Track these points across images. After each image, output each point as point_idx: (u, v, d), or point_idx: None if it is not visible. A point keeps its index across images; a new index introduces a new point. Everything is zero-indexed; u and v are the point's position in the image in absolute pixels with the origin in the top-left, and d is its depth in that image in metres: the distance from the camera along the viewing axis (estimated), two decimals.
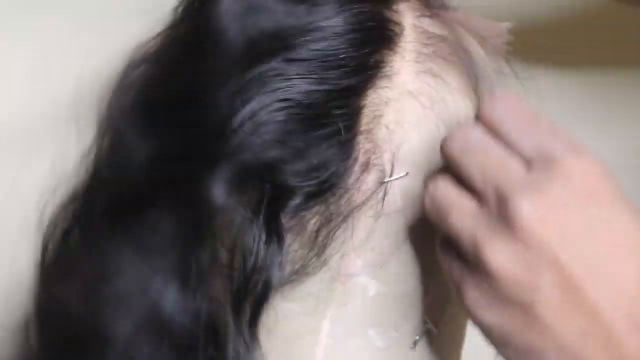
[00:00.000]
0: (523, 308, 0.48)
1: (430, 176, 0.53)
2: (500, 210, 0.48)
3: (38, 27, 0.83)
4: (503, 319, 0.48)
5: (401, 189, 0.55)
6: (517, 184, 0.48)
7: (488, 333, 0.50)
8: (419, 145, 0.56)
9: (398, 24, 0.57)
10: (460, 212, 0.50)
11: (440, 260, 0.52)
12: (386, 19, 0.57)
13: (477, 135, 0.51)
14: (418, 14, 0.58)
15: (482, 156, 0.50)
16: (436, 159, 0.54)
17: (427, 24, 0.58)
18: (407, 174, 0.55)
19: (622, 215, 0.49)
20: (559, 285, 0.47)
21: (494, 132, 0.50)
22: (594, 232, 0.48)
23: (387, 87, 0.56)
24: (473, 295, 0.49)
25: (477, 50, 0.61)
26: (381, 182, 0.55)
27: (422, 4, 0.59)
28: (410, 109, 0.56)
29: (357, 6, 0.56)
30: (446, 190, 0.51)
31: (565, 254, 0.47)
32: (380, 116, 0.55)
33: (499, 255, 0.48)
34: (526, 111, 0.51)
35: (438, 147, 0.53)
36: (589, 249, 0.48)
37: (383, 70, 0.56)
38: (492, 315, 0.49)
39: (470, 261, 0.49)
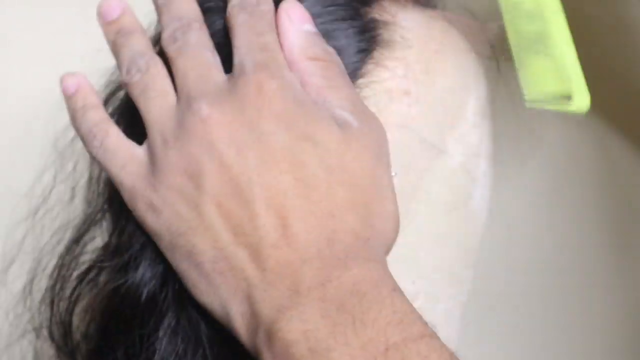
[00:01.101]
0: (190, 205, 0.50)
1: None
2: (185, 109, 0.51)
3: (36, 25, 0.84)
4: (171, 219, 0.51)
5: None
6: (207, 91, 0.51)
7: (158, 239, 0.52)
8: (407, 145, 0.56)
9: (387, 20, 0.58)
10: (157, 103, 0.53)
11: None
12: (375, 21, 0.57)
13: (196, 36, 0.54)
14: (404, 10, 0.59)
15: (192, 60, 0.53)
16: (422, 157, 0.55)
17: (412, 19, 0.59)
18: (395, 174, 0.56)
19: (284, 132, 0.50)
20: (222, 184, 0.50)
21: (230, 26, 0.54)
22: (260, 143, 0.50)
23: (372, 82, 0.56)
24: (144, 195, 0.52)
25: (462, 49, 0.61)
26: None
27: (407, 1, 0.60)
28: (395, 108, 0.56)
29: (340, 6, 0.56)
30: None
31: (230, 156, 0.50)
32: None
33: (171, 151, 0.51)
34: (264, 20, 0.54)
35: (424, 147, 0.54)
36: (252, 156, 0.50)
37: (365, 67, 0.56)
38: (160, 217, 0.52)
39: (150, 160, 0.52)
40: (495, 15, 0.64)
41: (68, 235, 0.61)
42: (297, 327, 0.47)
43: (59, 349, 0.59)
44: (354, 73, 0.56)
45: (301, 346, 0.46)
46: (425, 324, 0.48)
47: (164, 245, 0.52)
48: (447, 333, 0.57)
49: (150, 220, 0.52)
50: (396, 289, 0.48)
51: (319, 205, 0.50)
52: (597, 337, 0.94)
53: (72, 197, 0.62)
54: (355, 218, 0.50)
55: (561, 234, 0.94)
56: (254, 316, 0.49)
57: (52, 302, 0.60)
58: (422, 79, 0.57)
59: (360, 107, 0.53)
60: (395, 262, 0.52)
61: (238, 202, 0.50)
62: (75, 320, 0.59)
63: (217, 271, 0.50)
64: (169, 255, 0.52)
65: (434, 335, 0.47)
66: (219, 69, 0.53)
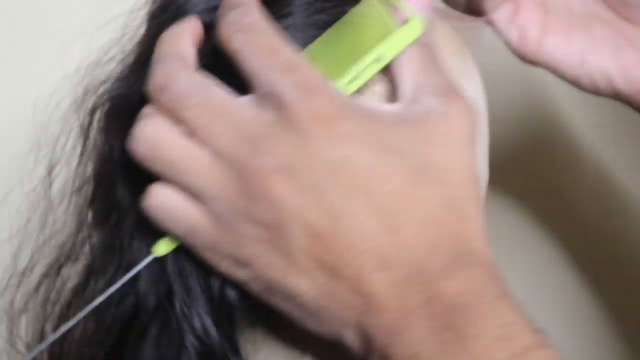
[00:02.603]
0: (281, 254, 0.48)
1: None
2: (246, 174, 0.48)
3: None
4: (264, 269, 0.49)
5: None
6: (256, 144, 0.48)
7: (252, 286, 0.50)
8: None
9: None
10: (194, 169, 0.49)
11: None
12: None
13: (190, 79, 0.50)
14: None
15: (202, 104, 0.49)
16: None
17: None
18: None
19: (360, 152, 0.48)
20: (306, 231, 0.48)
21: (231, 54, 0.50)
22: (335, 173, 0.48)
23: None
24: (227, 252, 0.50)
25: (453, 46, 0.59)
26: None
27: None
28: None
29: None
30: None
31: (305, 204, 0.48)
32: None
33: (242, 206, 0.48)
34: (267, 33, 0.50)
35: None
36: (328, 190, 0.48)
37: None
38: (252, 270, 0.49)
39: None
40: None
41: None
42: (408, 351, 0.46)
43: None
44: None
45: None
46: (534, 331, 0.47)
47: (258, 290, 0.50)
48: None
49: (241, 274, 0.50)
50: (500, 296, 0.47)
51: (412, 215, 0.48)
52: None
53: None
54: (451, 216, 0.49)
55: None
56: (367, 341, 0.48)
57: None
58: None
59: (446, 88, 0.51)
60: None
61: (327, 241, 0.48)
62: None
63: (322, 308, 0.49)
64: (265, 297, 0.50)
65: (542, 344, 0.46)
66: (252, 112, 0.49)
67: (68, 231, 0.58)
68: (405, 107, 0.50)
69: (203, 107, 0.49)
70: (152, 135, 0.49)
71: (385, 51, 0.51)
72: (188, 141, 0.49)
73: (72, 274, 0.57)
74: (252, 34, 0.49)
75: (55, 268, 0.58)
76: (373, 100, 0.52)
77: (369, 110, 0.49)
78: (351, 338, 0.49)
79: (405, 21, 0.51)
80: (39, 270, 0.58)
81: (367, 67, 0.51)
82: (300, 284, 0.48)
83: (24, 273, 0.59)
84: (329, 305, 0.48)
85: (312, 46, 0.52)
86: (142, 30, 0.57)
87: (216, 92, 0.49)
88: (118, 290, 0.52)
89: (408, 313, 0.47)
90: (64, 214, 0.59)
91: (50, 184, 0.60)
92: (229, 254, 0.49)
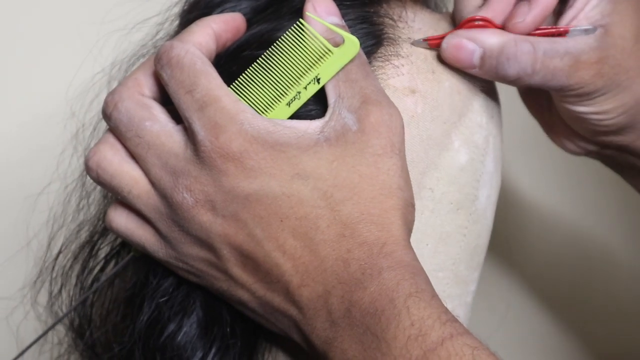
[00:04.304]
0: (220, 271, 0.53)
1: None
2: (170, 201, 0.53)
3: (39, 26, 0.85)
4: (210, 281, 0.54)
5: None
6: (179, 171, 0.52)
7: (208, 289, 0.55)
8: (412, 143, 0.57)
9: (395, 19, 0.59)
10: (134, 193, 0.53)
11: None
12: (383, 20, 0.58)
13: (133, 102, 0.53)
14: (412, 11, 0.60)
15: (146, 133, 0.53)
16: (426, 155, 0.57)
17: (420, 20, 0.60)
18: None
19: (269, 182, 0.51)
20: (234, 251, 0.52)
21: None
22: (249, 203, 0.51)
23: (379, 79, 0.57)
24: (178, 265, 0.55)
25: None
26: None
27: (415, 3, 0.61)
28: (400, 105, 0.56)
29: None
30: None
31: (229, 228, 0.52)
32: None
33: (176, 231, 0.54)
34: (190, 68, 0.52)
35: (429, 145, 0.56)
36: (248, 218, 0.51)
37: (371, 64, 0.57)
38: (201, 280, 0.54)
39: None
40: None
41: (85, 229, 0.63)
42: (342, 358, 0.49)
43: (77, 337, 0.61)
44: None
45: None
46: (446, 322, 0.48)
47: (215, 294, 0.55)
48: None
49: (195, 280, 0.55)
50: (411, 294, 0.49)
51: (327, 232, 0.51)
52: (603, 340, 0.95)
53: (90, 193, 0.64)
54: (366, 227, 0.51)
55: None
56: (311, 347, 0.51)
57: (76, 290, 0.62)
58: (428, 78, 0.58)
59: (364, 98, 0.53)
60: None
61: (255, 261, 0.52)
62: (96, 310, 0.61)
63: (267, 313, 0.53)
64: (225, 301, 0.55)
65: (454, 334, 0.48)
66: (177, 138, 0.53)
67: (98, 213, 0.62)
68: (324, 125, 0.52)
69: (137, 138, 0.53)
70: (100, 157, 0.54)
71: (324, 71, 0.53)
72: (130, 164, 0.54)
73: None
74: (175, 69, 0.52)
75: (88, 246, 0.62)
76: (294, 122, 0.53)
77: (283, 138, 0.51)
78: (298, 340, 0.52)
79: (340, 42, 0.53)
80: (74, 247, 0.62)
81: (306, 87, 0.53)
82: (243, 294, 0.53)
83: (61, 252, 0.62)
84: (272, 312, 0.53)
85: (246, 73, 0.54)
86: (175, 27, 0.61)
87: (153, 122, 0.53)
88: None
89: (334, 323, 0.50)
90: (96, 200, 0.63)
91: (85, 174, 0.62)
92: (181, 267, 0.54)
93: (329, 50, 0.53)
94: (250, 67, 0.54)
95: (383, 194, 0.52)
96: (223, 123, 0.51)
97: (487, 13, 0.57)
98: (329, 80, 0.53)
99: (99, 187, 0.62)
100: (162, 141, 0.52)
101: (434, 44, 0.58)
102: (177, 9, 0.61)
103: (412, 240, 0.53)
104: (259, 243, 0.51)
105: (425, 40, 0.58)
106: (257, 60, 0.54)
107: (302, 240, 0.51)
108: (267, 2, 0.57)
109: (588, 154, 0.67)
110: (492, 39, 0.57)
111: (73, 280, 0.61)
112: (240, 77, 0.54)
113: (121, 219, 0.55)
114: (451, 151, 0.58)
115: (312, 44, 0.53)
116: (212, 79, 0.52)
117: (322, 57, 0.53)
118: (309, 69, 0.53)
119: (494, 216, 0.62)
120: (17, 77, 0.83)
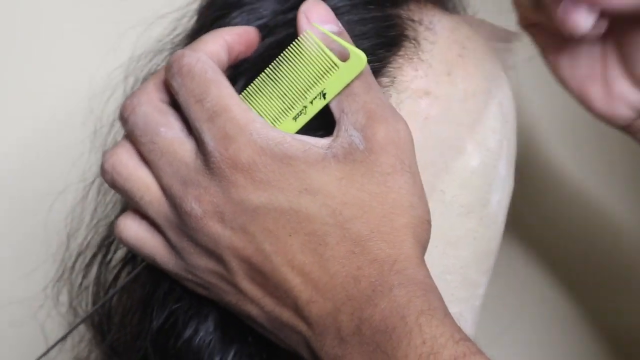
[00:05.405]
0: (229, 284, 0.52)
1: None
2: (179, 211, 0.52)
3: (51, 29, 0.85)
4: (219, 294, 0.53)
5: None
6: (188, 181, 0.52)
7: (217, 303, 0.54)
8: (425, 144, 0.57)
9: (414, 22, 0.58)
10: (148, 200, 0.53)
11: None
12: (402, 21, 0.58)
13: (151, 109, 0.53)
14: (430, 14, 0.60)
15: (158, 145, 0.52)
16: (439, 157, 0.56)
17: (438, 22, 0.59)
18: None
19: (279, 196, 0.51)
20: (243, 263, 0.51)
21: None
22: (258, 216, 0.51)
23: (394, 81, 0.57)
24: (187, 278, 0.54)
25: (485, 54, 0.61)
26: None
27: (434, 5, 0.60)
28: (414, 107, 0.57)
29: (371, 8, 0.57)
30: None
31: (237, 240, 0.51)
32: None
33: (184, 241, 0.53)
34: (201, 77, 0.52)
35: (442, 148, 0.55)
36: (257, 231, 0.51)
37: (388, 66, 0.57)
38: (210, 292, 0.54)
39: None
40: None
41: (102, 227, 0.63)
42: None
43: (97, 334, 0.61)
44: (376, 71, 0.56)
45: None
46: (459, 341, 0.48)
47: (226, 308, 0.54)
48: None
49: (204, 293, 0.55)
50: (423, 311, 0.49)
51: (337, 249, 0.50)
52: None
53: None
54: (376, 245, 0.51)
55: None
56: None
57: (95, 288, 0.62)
58: (443, 80, 0.58)
59: (369, 114, 0.52)
60: None
61: (264, 274, 0.51)
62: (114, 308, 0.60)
63: (276, 328, 0.52)
64: (237, 315, 0.54)
65: (467, 353, 0.47)
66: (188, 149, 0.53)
67: (116, 212, 0.62)
68: (332, 142, 0.52)
69: (152, 144, 0.53)
70: (116, 160, 0.54)
71: (330, 86, 0.52)
72: (144, 170, 0.53)
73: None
74: (186, 78, 0.52)
75: (106, 244, 0.62)
76: (302, 136, 0.52)
77: (291, 151, 0.51)
78: (309, 357, 0.52)
79: (347, 57, 0.52)
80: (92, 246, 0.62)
81: (312, 102, 0.53)
82: (252, 309, 0.52)
83: (80, 252, 0.62)
84: (281, 328, 0.52)
85: (255, 82, 0.54)
86: (192, 24, 0.61)
87: (167, 129, 0.53)
88: None
89: (344, 340, 0.49)
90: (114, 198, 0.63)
91: None
92: (190, 279, 0.54)
93: (335, 65, 0.52)
94: (260, 76, 0.54)
95: (394, 212, 0.51)
96: (233, 134, 0.51)
97: None
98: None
99: None
100: (175, 149, 0.52)
101: None
102: (195, 6, 0.61)
103: None
104: (267, 257, 0.51)
105: None
106: (265, 70, 0.54)
107: (311, 256, 0.50)
108: (291, 5, 0.56)
109: (636, 119, 0.63)
110: None
111: (92, 280, 0.61)
112: (251, 85, 0.54)
113: (132, 228, 0.54)
114: (464, 154, 0.58)
115: (318, 57, 0.53)
116: (223, 88, 0.51)
117: (328, 72, 0.52)
118: (315, 83, 0.53)
119: (505, 221, 0.61)
120: (35, 74, 0.83)
